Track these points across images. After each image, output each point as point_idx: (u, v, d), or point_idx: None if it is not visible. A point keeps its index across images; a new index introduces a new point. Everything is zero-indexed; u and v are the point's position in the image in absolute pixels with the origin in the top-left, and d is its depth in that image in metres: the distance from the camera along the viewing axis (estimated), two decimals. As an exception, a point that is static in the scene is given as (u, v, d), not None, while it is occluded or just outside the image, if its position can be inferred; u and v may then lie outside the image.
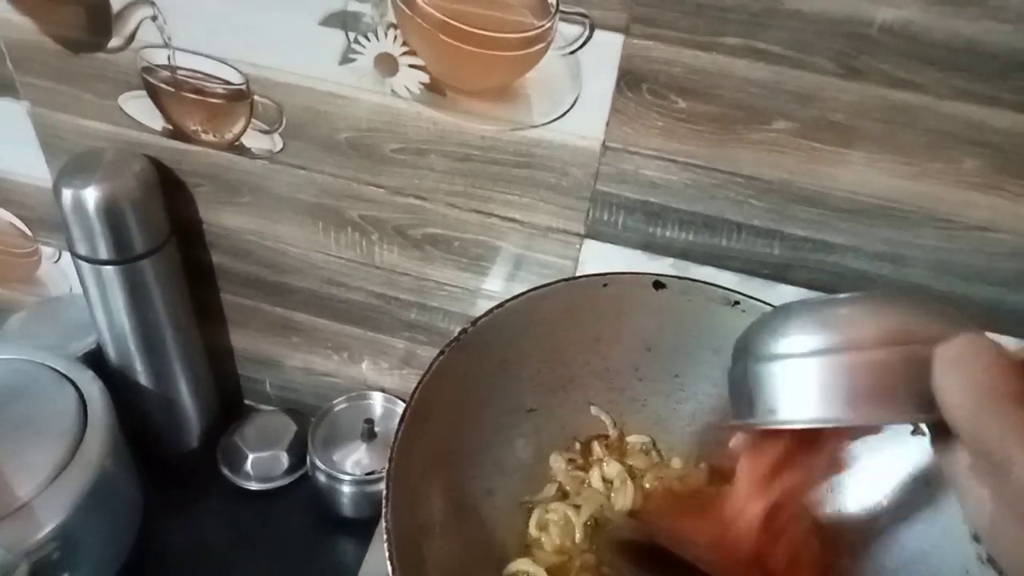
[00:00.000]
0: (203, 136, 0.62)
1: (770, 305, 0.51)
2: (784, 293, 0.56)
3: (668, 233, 0.56)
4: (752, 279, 0.56)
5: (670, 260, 0.58)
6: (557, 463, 0.51)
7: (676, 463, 0.52)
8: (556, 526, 0.47)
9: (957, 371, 0.26)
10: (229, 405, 0.81)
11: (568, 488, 0.50)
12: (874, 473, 0.46)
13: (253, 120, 0.60)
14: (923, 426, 0.44)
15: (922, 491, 0.44)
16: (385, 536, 0.37)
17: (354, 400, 0.75)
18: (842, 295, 0.34)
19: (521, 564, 0.46)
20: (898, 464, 0.45)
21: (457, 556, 0.43)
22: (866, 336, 0.31)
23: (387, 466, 0.40)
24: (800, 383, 0.32)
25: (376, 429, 0.71)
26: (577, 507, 0.48)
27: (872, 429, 0.38)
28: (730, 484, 0.41)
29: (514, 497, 0.49)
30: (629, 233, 0.57)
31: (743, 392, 0.35)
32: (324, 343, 0.74)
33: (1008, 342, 0.54)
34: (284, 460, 0.75)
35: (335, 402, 0.74)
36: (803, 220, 0.53)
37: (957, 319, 0.31)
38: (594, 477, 0.51)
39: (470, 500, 0.47)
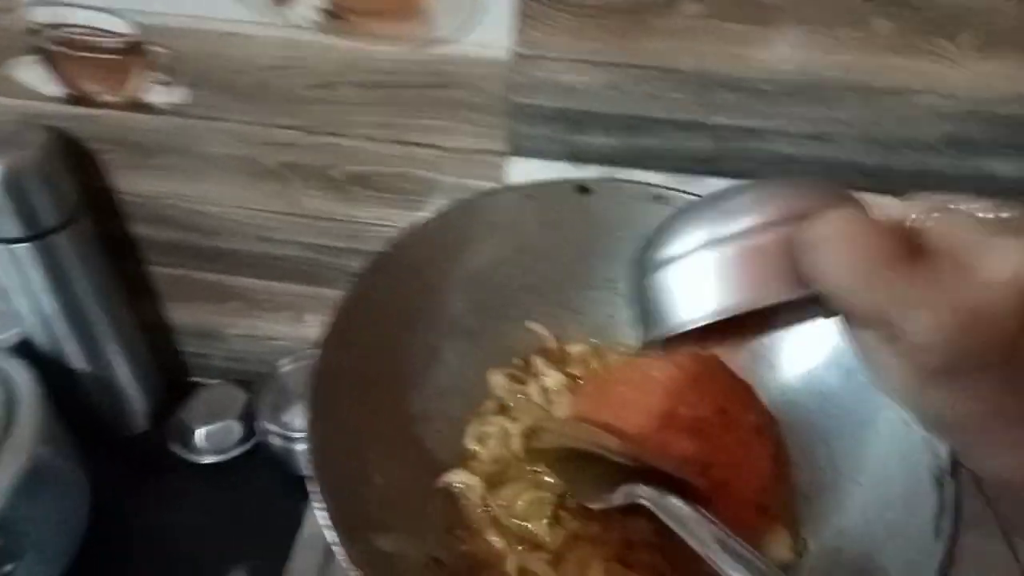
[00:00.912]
0: (103, 97, 0.59)
1: (696, 195, 0.50)
2: (715, 185, 0.55)
3: (592, 140, 0.55)
4: (683, 176, 0.55)
5: (598, 168, 0.56)
6: (497, 380, 0.50)
7: (613, 359, 0.51)
8: (494, 438, 0.46)
9: (822, 252, 0.25)
10: (176, 384, 0.79)
11: (509, 404, 0.49)
12: (809, 338, 0.46)
13: (151, 73, 0.57)
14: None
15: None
16: (310, 457, 0.36)
17: (300, 360, 0.72)
18: (722, 189, 0.33)
19: (456, 475, 0.45)
20: (830, 325, 0.45)
21: (395, 477, 0.42)
22: (745, 224, 0.30)
23: (309, 394, 0.38)
24: (686, 283, 0.31)
25: (326, 386, 0.70)
26: (516, 420, 0.47)
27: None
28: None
29: (453, 416, 0.48)
30: (553, 145, 0.56)
31: (641, 308, 0.34)
32: (263, 305, 0.72)
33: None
34: (236, 430, 0.73)
35: (280, 363, 0.72)
36: (725, 107, 0.52)
37: (837, 193, 0.30)
38: (532, 390, 0.50)
39: (407, 423, 0.46)
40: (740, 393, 0.50)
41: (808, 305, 0.32)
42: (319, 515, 0.34)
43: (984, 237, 0.23)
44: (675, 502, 0.40)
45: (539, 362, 0.51)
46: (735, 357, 0.49)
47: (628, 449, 0.44)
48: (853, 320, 0.26)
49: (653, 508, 0.40)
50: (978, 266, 0.23)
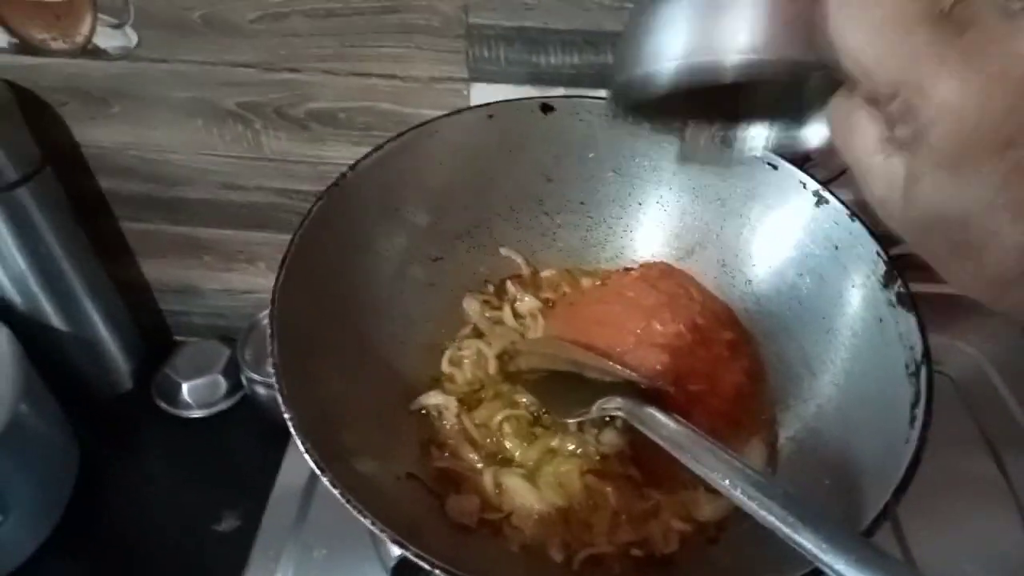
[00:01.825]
0: (53, 45, 0.57)
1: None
2: (680, 101, 0.54)
3: (552, 60, 0.54)
4: (647, 94, 0.54)
5: (561, 89, 0.55)
6: (471, 306, 0.50)
7: (586, 282, 0.51)
8: (469, 360, 0.46)
9: (849, 10, 0.24)
10: (159, 343, 0.78)
11: (483, 329, 0.49)
12: (782, 249, 0.45)
13: (100, 15, 0.55)
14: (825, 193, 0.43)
15: (829, 256, 0.43)
16: (279, 385, 0.35)
17: (280, 309, 0.72)
18: None
19: (431, 397, 0.45)
20: (802, 234, 0.44)
21: (370, 401, 0.42)
22: None
23: (272, 321, 0.38)
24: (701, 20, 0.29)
25: (307, 333, 0.69)
26: (491, 344, 0.47)
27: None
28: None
29: (426, 341, 0.48)
30: (514, 68, 0.54)
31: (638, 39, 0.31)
32: (237, 256, 0.71)
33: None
34: (222, 384, 0.73)
35: (260, 315, 0.71)
36: (685, 17, 0.51)
37: None
38: (506, 314, 0.49)
39: (379, 348, 0.45)
40: (715, 311, 0.49)
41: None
42: (297, 442, 0.34)
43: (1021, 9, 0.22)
44: (650, 411, 0.40)
45: (513, 287, 0.51)
46: (711, 275, 0.49)
47: (602, 363, 0.44)
48: (864, 94, 0.25)
49: (628, 417, 0.40)
50: (1010, 36, 0.21)
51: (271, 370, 0.36)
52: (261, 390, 0.68)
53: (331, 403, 0.39)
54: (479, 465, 0.42)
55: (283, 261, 0.39)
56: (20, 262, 0.63)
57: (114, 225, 0.70)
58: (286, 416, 0.34)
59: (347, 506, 0.31)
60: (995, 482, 0.50)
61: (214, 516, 0.66)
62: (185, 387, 0.73)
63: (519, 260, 0.52)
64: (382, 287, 0.46)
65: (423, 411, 0.45)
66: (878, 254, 0.41)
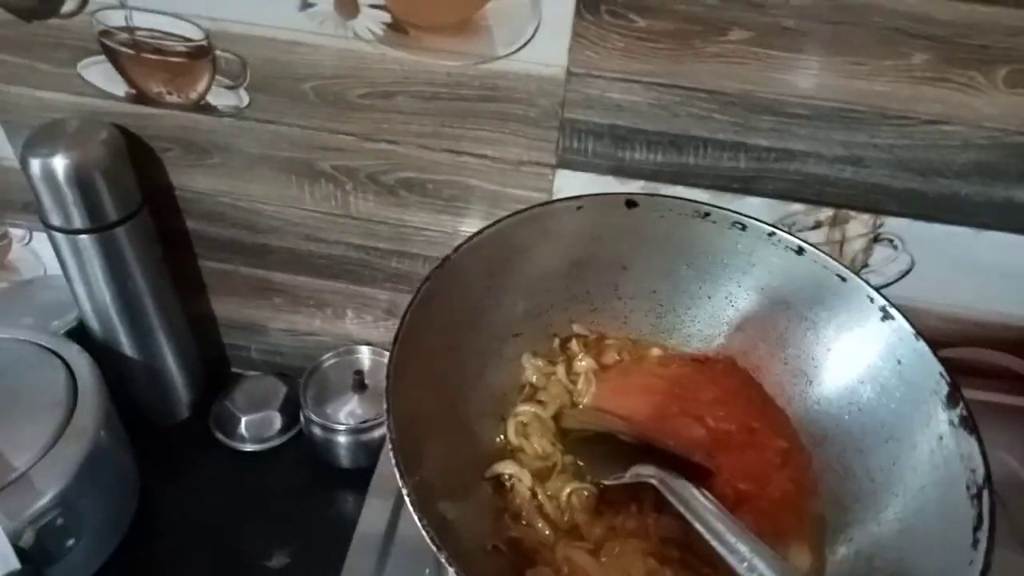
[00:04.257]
0: (168, 98, 0.62)
1: (740, 214, 0.52)
2: (751, 205, 0.58)
3: (637, 156, 0.58)
4: (721, 194, 0.58)
5: (641, 183, 0.59)
6: (529, 361, 0.53)
7: (648, 352, 0.55)
8: (533, 430, 0.49)
9: None
10: (216, 375, 0.82)
11: (537, 385, 0.52)
12: (845, 355, 0.49)
13: (217, 77, 0.59)
14: (891, 310, 0.47)
15: (891, 369, 0.46)
16: (390, 446, 0.38)
17: (342, 355, 0.75)
18: None
19: (505, 466, 0.47)
20: (866, 344, 0.47)
21: (453, 466, 0.44)
22: None
23: (387, 384, 0.41)
24: None
25: (366, 381, 0.72)
26: (542, 403, 0.51)
27: None
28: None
29: (502, 412, 0.51)
30: (599, 160, 0.58)
31: None
32: (306, 301, 0.75)
33: (963, 232, 0.57)
34: (277, 420, 0.76)
35: (323, 358, 0.75)
36: (764, 130, 0.55)
37: None
38: (559, 371, 0.52)
39: (464, 417, 0.48)
40: (773, 418, 0.51)
41: None
42: (402, 488, 0.36)
43: None
44: (681, 482, 0.42)
45: (576, 346, 0.54)
46: (773, 372, 0.52)
47: (638, 429, 0.47)
48: None
49: (660, 487, 0.43)
50: None
51: (387, 437, 0.38)
52: (318, 431, 0.71)
53: (424, 470, 0.42)
54: (551, 538, 0.45)
55: (395, 339, 0.42)
56: (106, 295, 0.66)
57: (194, 262, 0.74)
58: (404, 491, 0.36)
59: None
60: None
61: (265, 552, 0.68)
62: (243, 420, 0.76)
63: (588, 334, 0.55)
64: (473, 362, 0.49)
65: (498, 479, 0.48)
66: (941, 375, 0.43)
